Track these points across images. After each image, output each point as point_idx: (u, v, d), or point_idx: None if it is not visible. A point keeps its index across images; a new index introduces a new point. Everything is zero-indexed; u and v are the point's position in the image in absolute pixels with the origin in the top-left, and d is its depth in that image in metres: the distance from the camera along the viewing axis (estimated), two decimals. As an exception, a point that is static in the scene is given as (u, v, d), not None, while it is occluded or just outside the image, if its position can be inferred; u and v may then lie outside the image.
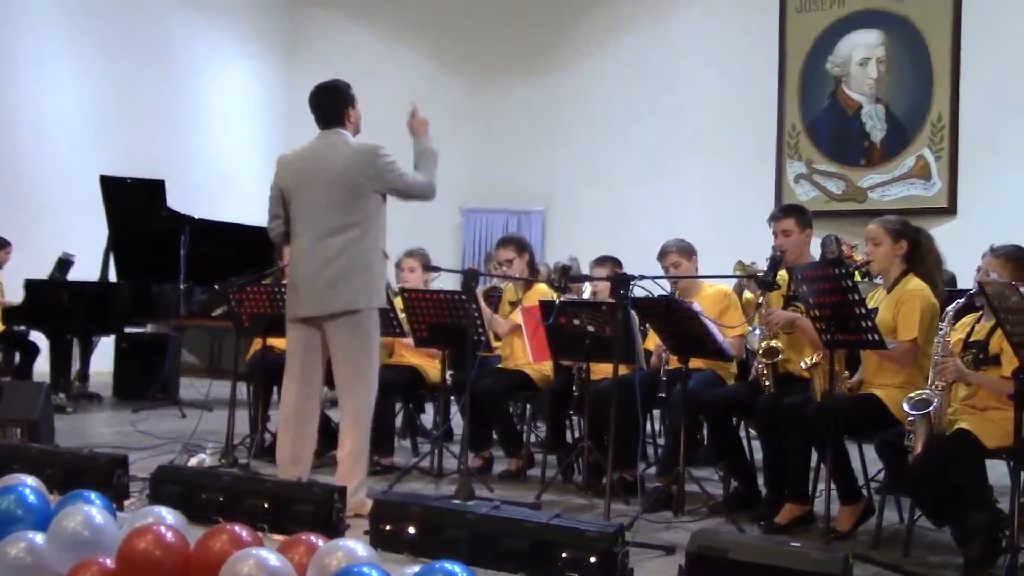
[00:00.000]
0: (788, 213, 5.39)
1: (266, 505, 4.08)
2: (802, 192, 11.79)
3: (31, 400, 5.96)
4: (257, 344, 6.57)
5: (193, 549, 3.15)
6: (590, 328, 5.18)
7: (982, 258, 4.48)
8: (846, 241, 9.28)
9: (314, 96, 4.90)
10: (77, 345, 9.23)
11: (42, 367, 9.15)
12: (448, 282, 8.08)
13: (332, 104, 4.88)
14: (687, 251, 5.75)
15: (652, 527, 4.70)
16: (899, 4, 11.34)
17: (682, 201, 12.08)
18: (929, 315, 4.53)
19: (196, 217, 9.42)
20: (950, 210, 10.98)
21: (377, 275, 4.80)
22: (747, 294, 6.31)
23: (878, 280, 4.98)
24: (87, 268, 9.58)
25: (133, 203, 9.47)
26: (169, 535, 3.14)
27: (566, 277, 6.18)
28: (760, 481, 5.15)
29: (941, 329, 4.27)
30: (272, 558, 2.94)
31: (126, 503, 4.48)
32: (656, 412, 6.52)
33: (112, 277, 9.56)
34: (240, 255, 8.75)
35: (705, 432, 5.68)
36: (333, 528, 3.90)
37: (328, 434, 6.16)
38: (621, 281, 4.94)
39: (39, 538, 3.22)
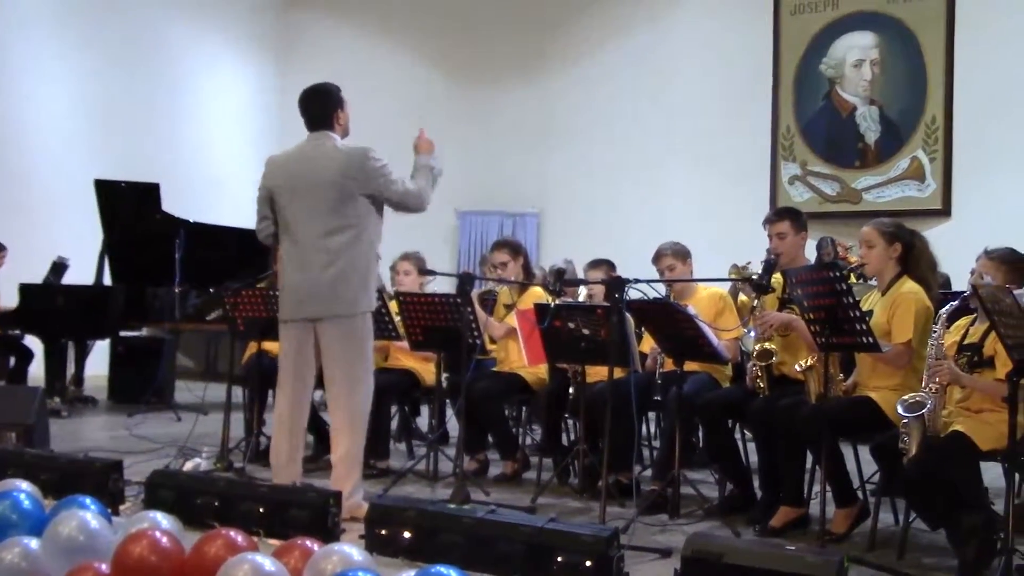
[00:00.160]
0: (783, 216, 5.40)
1: (261, 510, 4.08)
2: (796, 194, 11.80)
3: (26, 404, 5.95)
4: (252, 347, 6.56)
5: (188, 554, 3.15)
6: (585, 331, 5.18)
7: (976, 261, 4.48)
8: (841, 243, 9.31)
9: (303, 99, 4.89)
10: (72, 349, 9.22)
11: (37, 371, 9.13)
12: (443, 285, 8.09)
13: (321, 107, 4.86)
14: (682, 254, 5.75)
15: (648, 530, 4.70)
16: (893, 6, 11.36)
17: (677, 204, 12.08)
18: (923, 317, 4.54)
19: (191, 220, 9.42)
20: (944, 211, 11.00)
21: (371, 279, 4.79)
22: (742, 297, 6.31)
23: (873, 282, 4.99)
24: (82, 272, 9.57)
25: (128, 206, 9.46)
26: (164, 540, 3.14)
27: (561, 280, 6.18)
28: (756, 484, 5.15)
29: (935, 331, 4.28)
30: (267, 563, 2.94)
31: (121, 508, 4.47)
32: (652, 415, 6.53)
33: (107, 281, 9.55)
34: (235, 258, 8.76)
35: (700, 435, 5.68)
36: (328, 533, 3.90)
37: (324, 437, 6.16)
38: (616, 284, 4.95)
39: (34, 543, 3.22)
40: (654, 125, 12.57)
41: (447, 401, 6.39)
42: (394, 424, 6.92)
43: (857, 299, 4.33)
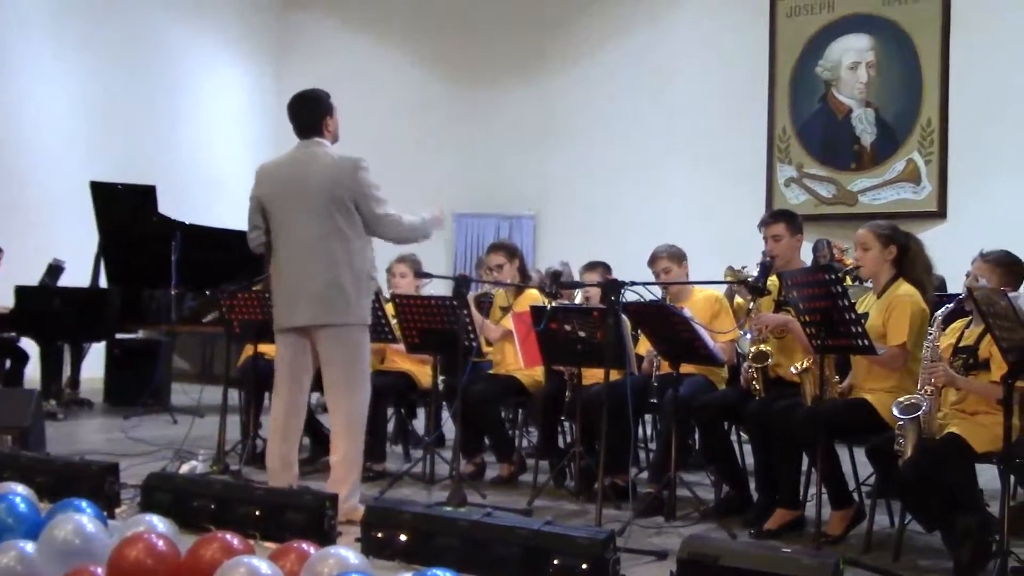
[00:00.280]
0: (778, 218, 5.40)
1: (258, 512, 4.08)
2: (792, 196, 11.82)
3: (22, 407, 5.94)
4: (248, 350, 6.56)
5: (184, 557, 3.15)
6: (581, 334, 5.18)
7: (971, 263, 4.50)
8: (836, 244, 9.31)
9: (292, 105, 4.87)
10: (68, 351, 9.21)
11: (33, 373, 9.12)
12: (439, 288, 8.09)
13: (310, 113, 4.84)
14: (677, 256, 5.76)
15: (644, 532, 4.70)
16: (888, 9, 11.38)
17: (673, 206, 12.09)
18: (919, 320, 4.54)
19: (187, 223, 9.41)
20: (940, 213, 11.02)
21: (364, 286, 4.78)
22: (738, 299, 6.32)
23: (869, 284, 4.99)
24: (78, 274, 9.56)
25: (124, 209, 9.45)
26: (160, 543, 3.14)
27: (557, 283, 6.18)
28: (752, 486, 5.16)
29: (930, 334, 4.28)
30: (263, 566, 2.94)
31: (117, 511, 4.47)
32: (648, 417, 6.53)
33: (103, 283, 9.54)
34: (231, 260, 8.72)
35: (696, 437, 5.69)
36: (325, 536, 3.90)
37: (320, 440, 6.16)
38: (612, 287, 4.95)
39: (30, 547, 3.22)
40: (651, 127, 12.58)
41: (443, 404, 6.40)
42: (390, 427, 6.93)
43: (853, 301, 4.34)
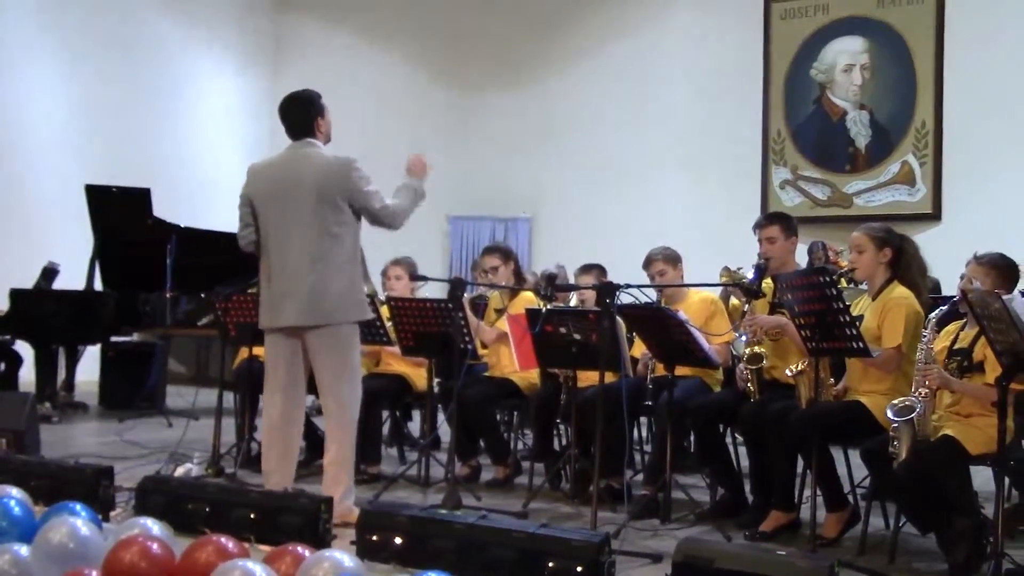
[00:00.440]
0: (772, 221, 5.41)
1: (252, 515, 4.07)
2: (787, 198, 11.84)
3: (17, 410, 5.94)
4: (243, 353, 6.55)
5: (179, 560, 3.15)
6: (576, 336, 5.18)
7: (966, 265, 4.50)
8: (831, 247, 9.32)
9: (283, 107, 4.86)
10: (63, 354, 9.19)
11: (27, 377, 9.11)
12: (434, 290, 8.09)
13: (301, 115, 4.83)
14: (673, 259, 5.76)
15: (639, 535, 4.70)
16: (883, 11, 11.40)
17: (668, 208, 12.11)
18: (913, 322, 4.55)
19: (182, 226, 9.39)
20: (935, 215, 11.05)
21: (355, 287, 4.78)
22: (733, 301, 6.32)
23: (863, 286, 5.00)
24: (72, 277, 9.54)
25: (119, 212, 9.43)
26: (155, 546, 3.13)
27: (553, 285, 6.18)
28: (747, 488, 5.16)
29: (925, 336, 4.29)
30: (258, 569, 2.94)
31: (112, 514, 4.45)
32: (643, 420, 6.53)
33: (98, 286, 9.52)
34: (226, 263, 8.69)
35: (692, 439, 5.69)
36: (320, 539, 3.89)
37: (315, 442, 6.15)
38: (607, 289, 4.95)
39: (24, 550, 3.21)
40: (645, 130, 12.59)
41: (439, 406, 6.40)
42: (386, 429, 6.92)
43: (847, 304, 4.35)
